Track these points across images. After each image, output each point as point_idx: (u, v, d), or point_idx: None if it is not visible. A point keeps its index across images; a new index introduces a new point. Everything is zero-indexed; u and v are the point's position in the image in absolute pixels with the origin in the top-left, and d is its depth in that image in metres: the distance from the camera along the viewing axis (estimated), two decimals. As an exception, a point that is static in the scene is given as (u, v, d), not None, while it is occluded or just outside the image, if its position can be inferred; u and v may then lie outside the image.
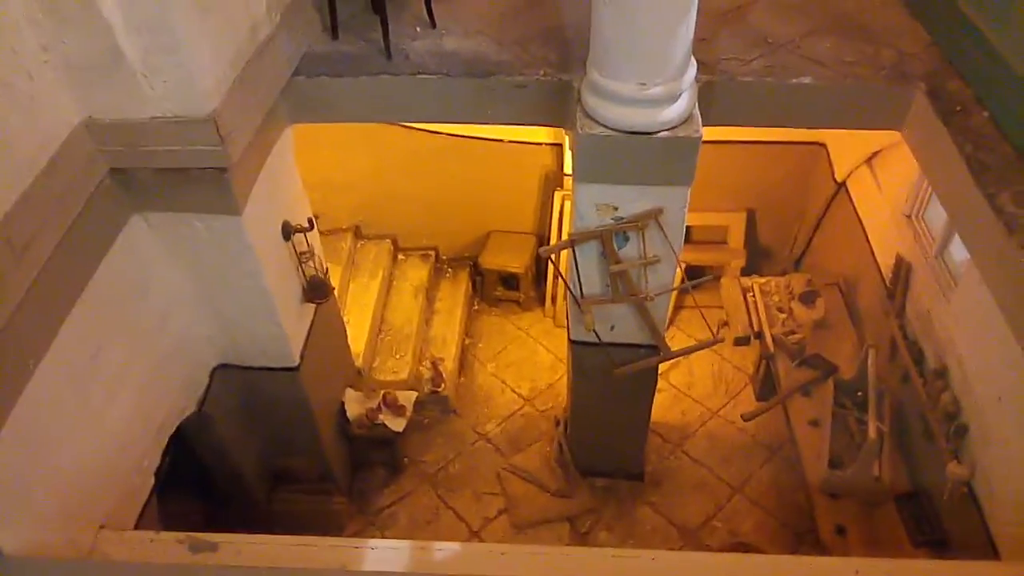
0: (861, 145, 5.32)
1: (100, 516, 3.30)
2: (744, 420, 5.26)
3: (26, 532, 2.84)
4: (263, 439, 4.75)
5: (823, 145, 5.93)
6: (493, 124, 4.25)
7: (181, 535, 3.20)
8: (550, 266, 6.25)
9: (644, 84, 3.26)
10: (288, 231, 4.04)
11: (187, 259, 3.75)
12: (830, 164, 5.84)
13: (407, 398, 5.20)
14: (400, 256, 6.69)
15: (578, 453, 5.25)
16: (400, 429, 5.06)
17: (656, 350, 4.32)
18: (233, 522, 4.51)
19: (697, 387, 5.96)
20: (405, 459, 5.44)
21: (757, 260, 6.59)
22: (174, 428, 3.93)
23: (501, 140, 5.94)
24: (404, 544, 3.32)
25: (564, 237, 5.91)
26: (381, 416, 5.07)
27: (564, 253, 4.42)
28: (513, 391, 5.98)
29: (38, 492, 2.91)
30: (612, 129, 3.39)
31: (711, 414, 5.81)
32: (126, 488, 3.53)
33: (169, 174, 3.33)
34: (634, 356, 4.32)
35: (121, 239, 3.40)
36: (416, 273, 6.50)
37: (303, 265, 4.20)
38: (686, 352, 4.39)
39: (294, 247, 4.13)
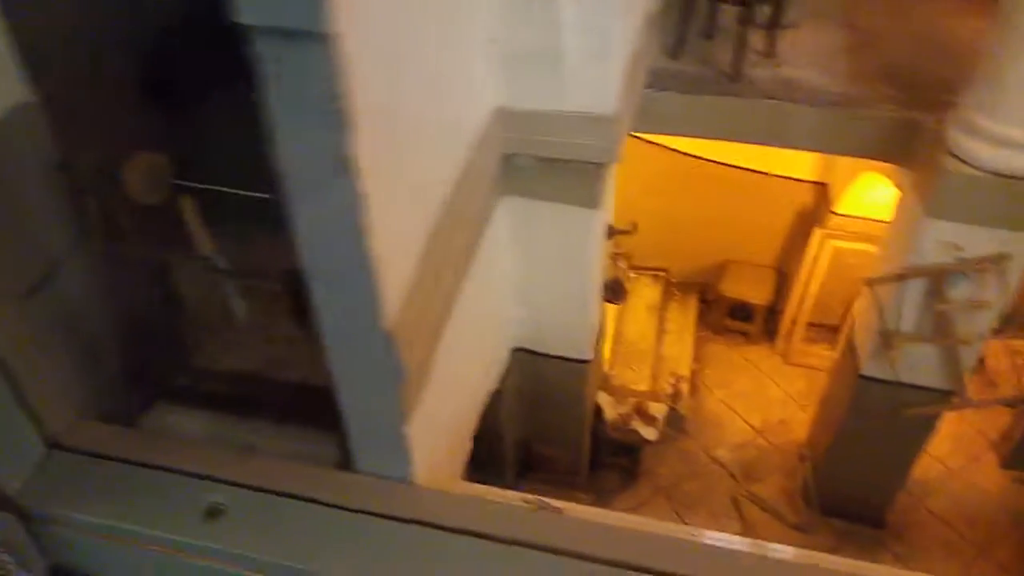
0: None
1: (452, 472, 3.58)
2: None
3: (423, 473, 3.13)
4: (531, 424, 4.99)
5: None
6: (828, 153, 4.37)
7: (528, 496, 3.43)
8: (790, 302, 6.28)
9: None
10: (611, 231, 4.28)
11: (525, 243, 4.03)
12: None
13: (658, 409, 5.33)
14: (631, 273, 6.86)
15: (824, 491, 5.22)
16: (652, 438, 5.20)
17: (948, 395, 4.28)
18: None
19: (938, 445, 5.80)
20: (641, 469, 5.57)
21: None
22: (485, 401, 4.21)
23: (763, 172, 6.06)
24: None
25: (815, 275, 5.97)
26: (634, 423, 5.22)
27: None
28: (744, 421, 6.01)
29: (437, 440, 3.21)
30: (985, 171, 3.44)
31: (949, 472, 5.66)
32: (462, 449, 3.81)
33: (549, 163, 3.62)
34: (924, 399, 4.29)
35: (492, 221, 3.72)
36: (648, 291, 6.66)
37: (614, 265, 4.42)
38: (988, 404, 4.33)
39: (610, 248, 4.36)
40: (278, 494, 2.97)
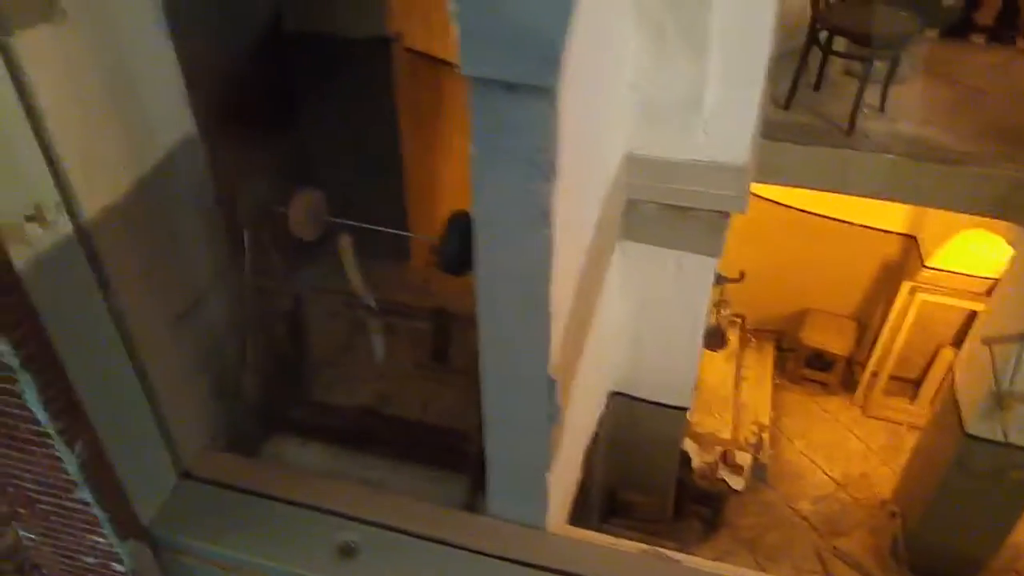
0: None
1: (563, 517, 3.55)
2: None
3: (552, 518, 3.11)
4: (620, 469, 4.94)
5: None
6: (941, 209, 4.34)
7: (645, 545, 3.38)
8: (872, 354, 6.21)
9: None
10: (719, 278, 4.27)
11: (637, 288, 4.03)
12: None
13: (744, 459, 5.26)
14: (732, 321, 6.81)
15: (915, 548, 5.09)
16: (739, 488, 5.12)
17: (1060, 460, 4.18)
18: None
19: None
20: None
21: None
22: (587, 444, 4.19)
23: (847, 222, 6.03)
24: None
25: (901, 328, 5.89)
26: (721, 471, 5.15)
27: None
28: (825, 473, 5.91)
29: (559, 485, 3.19)
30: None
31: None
32: (570, 493, 3.78)
33: (672, 210, 3.63)
34: (1034, 462, 4.20)
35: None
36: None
37: (717, 312, 4.41)
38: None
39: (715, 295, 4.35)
40: (411, 535, 2.96)
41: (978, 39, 5.70)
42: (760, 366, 6.56)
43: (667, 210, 3.63)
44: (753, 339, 6.82)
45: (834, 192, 4.17)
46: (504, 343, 2.41)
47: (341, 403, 3.55)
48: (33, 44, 2.10)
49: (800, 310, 6.64)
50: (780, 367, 6.74)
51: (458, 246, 2.56)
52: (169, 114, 2.74)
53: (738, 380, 6.43)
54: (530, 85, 1.86)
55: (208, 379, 3.14)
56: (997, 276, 5.28)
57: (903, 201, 4.28)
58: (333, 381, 3.63)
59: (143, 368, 2.76)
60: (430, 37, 4.33)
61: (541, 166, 1.99)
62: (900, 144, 4.05)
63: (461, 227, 2.57)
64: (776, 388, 6.64)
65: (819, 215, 6.06)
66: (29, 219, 2.20)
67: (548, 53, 1.78)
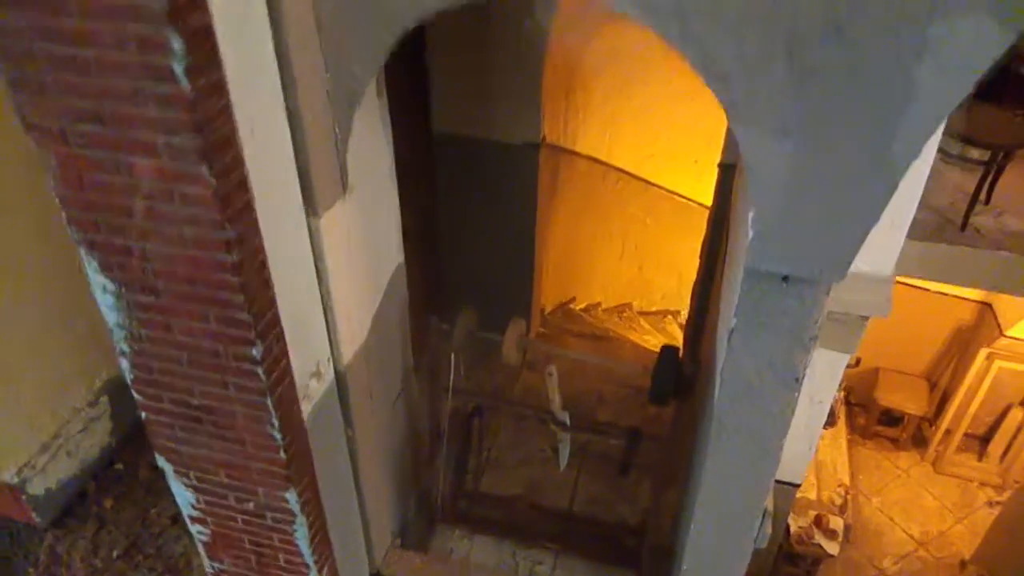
0: None
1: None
2: None
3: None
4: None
5: None
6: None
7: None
8: (945, 413, 6.42)
9: None
10: (836, 365, 4.46)
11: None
12: None
13: (837, 523, 5.45)
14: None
15: (1005, 614, 5.30)
16: (835, 553, 5.31)
17: None
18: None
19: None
20: (812, 580, 5.67)
21: None
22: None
23: (925, 288, 6.25)
24: None
25: (977, 392, 6.11)
26: (816, 537, 5.34)
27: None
28: (904, 531, 6.11)
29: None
30: None
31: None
32: None
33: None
34: None
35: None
36: (797, 393, 6.81)
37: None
38: None
39: (829, 378, 4.55)
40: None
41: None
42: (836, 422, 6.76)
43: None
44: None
45: (947, 284, 4.41)
46: (728, 480, 2.60)
47: (502, 495, 3.73)
48: (330, 221, 2.30)
49: (871, 368, 6.84)
50: (850, 422, 6.94)
51: (670, 381, 2.75)
52: (391, 248, 2.94)
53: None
54: (805, 278, 2.07)
55: (394, 474, 3.32)
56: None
57: (1014, 294, 4.50)
58: (497, 476, 3.81)
59: (360, 484, 2.95)
60: (557, 133, 4.55)
61: (804, 342, 2.19)
62: (1011, 240, 4.27)
63: (670, 362, 2.77)
64: (849, 444, 6.85)
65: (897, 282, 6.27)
66: (312, 375, 2.39)
67: (843, 259, 1.98)
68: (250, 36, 1.92)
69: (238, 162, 1.91)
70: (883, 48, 1.72)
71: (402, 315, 3.11)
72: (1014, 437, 6.36)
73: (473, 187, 4.14)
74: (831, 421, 4.64)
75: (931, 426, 6.71)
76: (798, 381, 2.27)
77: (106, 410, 4.83)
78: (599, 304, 6.87)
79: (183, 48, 1.64)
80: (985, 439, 6.63)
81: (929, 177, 4.76)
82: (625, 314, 6.92)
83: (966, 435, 6.60)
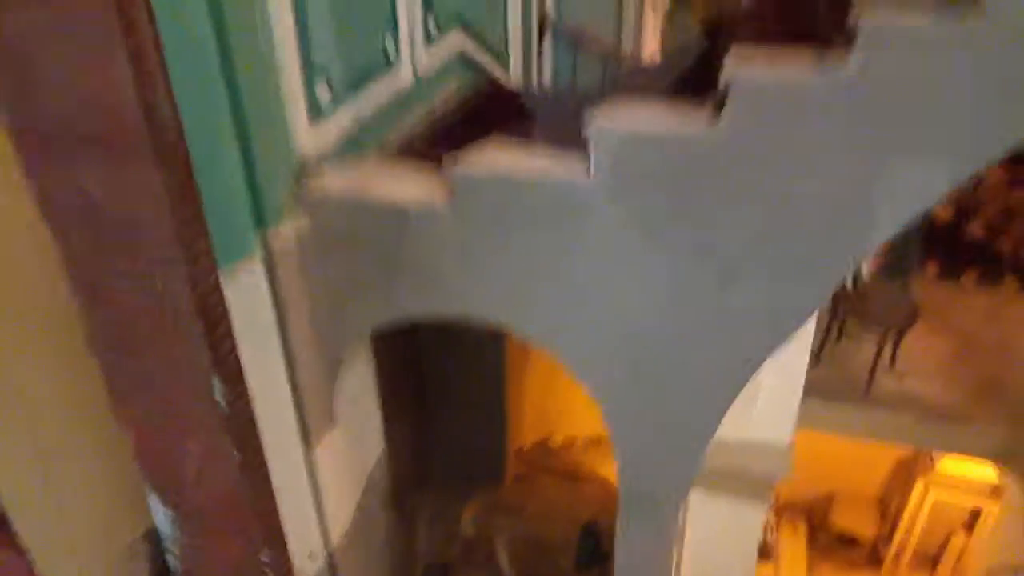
0: None
1: None
2: None
3: None
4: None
5: None
6: (946, 452, 5.27)
7: None
8: (897, 529, 7.02)
9: None
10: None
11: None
12: None
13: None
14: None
15: None
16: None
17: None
18: None
19: None
20: None
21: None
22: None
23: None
24: None
25: (918, 518, 6.72)
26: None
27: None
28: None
29: None
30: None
31: None
32: None
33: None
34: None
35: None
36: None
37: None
38: None
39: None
40: None
41: (968, 280, 6.70)
42: (794, 545, 7.35)
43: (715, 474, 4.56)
44: (785, 517, 7.65)
45: (853, 439, 5.11)
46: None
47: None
48: (326, 451, 3.12)
49: (828, 491, 7.47)
50: (812, 540, 7.52)
51: (588, 556, 3.49)
52: (375, 437, 3.74)
53: (777, 559, 7.22)
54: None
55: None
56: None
57: (916, 447, 5.22)
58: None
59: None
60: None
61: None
62: (910, 405, 5.02)
63: (590, 537, 3.52)
64: (808, 564, 7.41)
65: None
66: (309, 557, 3.18)
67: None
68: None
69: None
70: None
71: (384, 498, 3.87)
72: (958, 560, 6.93)
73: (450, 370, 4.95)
74: (764, 554, 5.26)
75: (886, 545, 7.29)
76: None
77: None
78: (575, 439, 7.55)
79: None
80: (935, 559, 7.19)
81: (843, 340, 5.56)
82: (602, 446, 7.60)
83: (918, 554, 7.16)
